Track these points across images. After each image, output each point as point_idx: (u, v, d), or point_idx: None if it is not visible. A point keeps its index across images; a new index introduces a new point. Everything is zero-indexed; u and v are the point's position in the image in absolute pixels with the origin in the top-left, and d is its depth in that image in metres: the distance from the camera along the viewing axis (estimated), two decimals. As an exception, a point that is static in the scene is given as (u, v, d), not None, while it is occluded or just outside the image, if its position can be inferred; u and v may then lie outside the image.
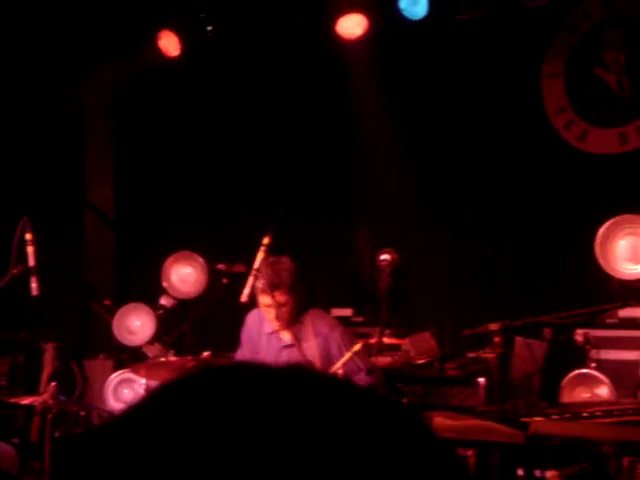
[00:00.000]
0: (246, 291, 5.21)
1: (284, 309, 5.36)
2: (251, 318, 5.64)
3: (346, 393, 0.80)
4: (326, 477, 0.72)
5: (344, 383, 0.83)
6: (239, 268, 6.52)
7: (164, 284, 7.55)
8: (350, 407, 0.78)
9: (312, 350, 5.34)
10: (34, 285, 5.78)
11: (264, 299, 5.33)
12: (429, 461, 0.78)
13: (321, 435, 0.74)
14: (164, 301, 7.56)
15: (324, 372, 0.85)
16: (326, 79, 8.42)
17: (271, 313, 5.35)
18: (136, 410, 0.80)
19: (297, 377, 0.81)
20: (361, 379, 5.27)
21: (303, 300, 5.55)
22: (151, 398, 0.82)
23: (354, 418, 0.77)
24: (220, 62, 8.52)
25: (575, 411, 4.16)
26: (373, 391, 0.83)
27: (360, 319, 7.56)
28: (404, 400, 5.92)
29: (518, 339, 6.35)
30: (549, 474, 4.12)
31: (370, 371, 5.37)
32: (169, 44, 8.01)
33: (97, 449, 0.78)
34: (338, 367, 5.20)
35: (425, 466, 0.77)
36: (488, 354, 5.86)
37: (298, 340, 5.30)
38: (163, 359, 6.14)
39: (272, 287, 5.30)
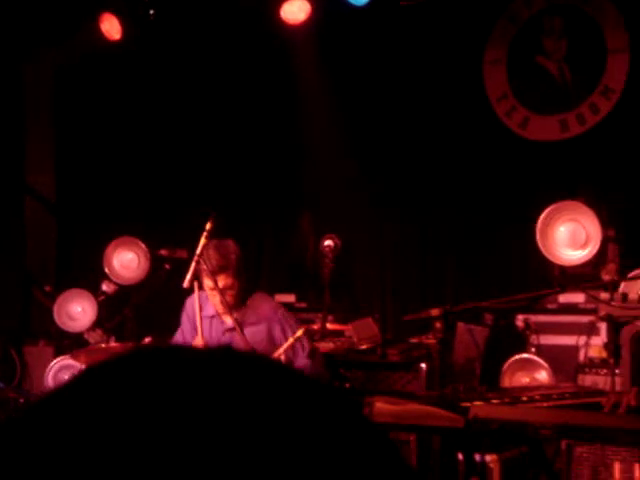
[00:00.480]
0: (188, 277, 5.18)
1: (229, 292, 5.34)
2: (191, 301, 5.61)
3: (275, 376, 0.79)
4: (246, 462, 0.71)
5: (275, 365, 0.82)
6: (181, 254, 6.51)
7: (106, 270, 7.48)
8: (279, 390, 0.77)
9: (255, 334, 5.33)
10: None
11: (209, 282, 5.30)
12: (359, 446, 0.77)
13: (245, 418, 0.73)
14: (105, 287, 7.49)
15: (261, 355, 0.84)
16: (270, 64, 8.39)
17: (216, 296, 5.33)
18: (59, 393, 0.79)
19: (225, 359, 0.80)
20: (303, 364, 5.28)
21: (247, 284, 5.53)
22: (76, 381, 0.80)
23: (282, 401, 0.76)
24: (163, 46, 8.44)
25: (514, 395, 4.20)
26: (307, 376, 0.83)
27: (303, 305, 7.57)
28: (346, 385, 5.94)
29: (460, 324, 6.40)
30: (489, 458, 4.16)
31: (312, 355, 5.38)
32: (111, 27, 7.92)
33: (16, 434, 0.76)
34: (281, 352, 5.20)
35: (356, 451, 0.76)
36: (430, 340, 5.90)
37: (241, 324, 5.28)
38: (104, 345, 6.10)
39: (217, 270, 5.28)
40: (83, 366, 5.63)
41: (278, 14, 7.72)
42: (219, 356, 0.80)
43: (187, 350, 0.82)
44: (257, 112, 8.50)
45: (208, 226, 5.30)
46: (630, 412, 3.12)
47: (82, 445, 0.72)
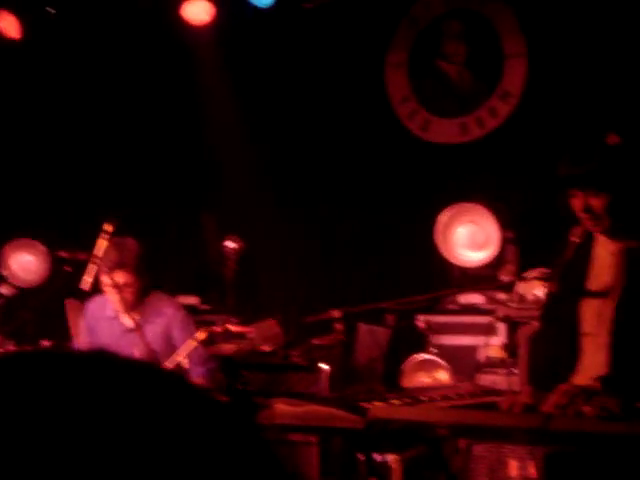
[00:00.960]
0: (87, 279, 5.11)
1: (128, 290, 5.29)
2: (91, 305, 5.54)
3: (147, 381, 0.79)
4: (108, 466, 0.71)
5: (150, 370, 0.82)
6: (82, 255, 6.40)
7: (4, 272, 7.35)
8: (147, 396, 0.77)
9: (154, 333, 5.29)
10: None
11: (106, 279, 5.24)
12: (233, 454, 0.78)
13: (114, 423, 0.73)
14: (4, 290, 7.34)
15: (136, 362, 0.85)
16: (172, 64, 8.34)
17: (114, 294, 5.27)
18: None
19: (99, 365, 0.80)
20: (203, 368, 5.26)
21: (147, 282, 5.47)
22: None
23: (150, 407, 0.76)
24: (63, 45, 8.32)
25: (414, 396, 4.24)
26: (182, 379, 0.83)
27: (206, 307, 7.53)
28: (248, 388, 5.93)
29: (361, 325, 6.44)
30: (389, 458, 4.20)
31: (209, 362, 5.37)
32: (8, 25, 7.77)
33: None
34: (182, 356, 5.16)
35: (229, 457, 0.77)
36: (331, 341, 5.93)
37: (140, 324, 5.23)
38: (1, 349, 5.98)
39: (116, 267, 5.22)
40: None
41: (180, 14, 7.68)
42: (92, 362, 0.80)
43: (59, 356, 0.82)
44: (159, 113, 8.43)
45: (108, 227, 5.24)
46: (525, 411, 3.18)
47: None
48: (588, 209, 3.14)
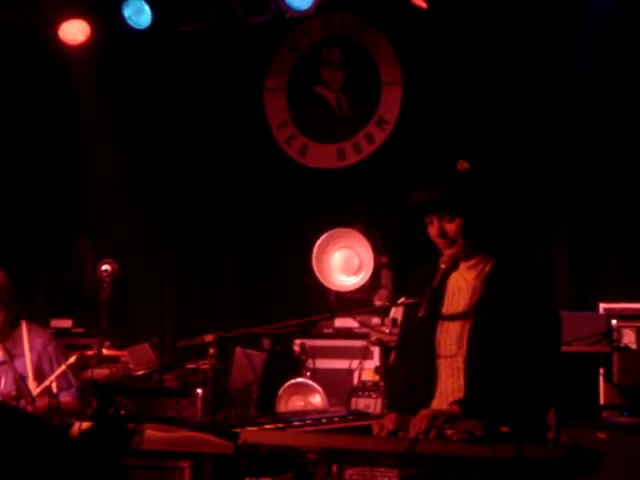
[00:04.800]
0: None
1: (-4, 324, 5.18)
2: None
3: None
4: None
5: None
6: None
7: None
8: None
9: (25, 366, 5.17)
10: None
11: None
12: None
13: None
14: None
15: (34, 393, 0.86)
16: (50, 86, 8.22)
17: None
18: None
19: None
20: (72, 392, 5.18)
21: (16, 313, 5.36)
22: None
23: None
24: None
25: (286, 420, 4.25)
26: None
27: (80, 330, 7.42)
28: (121, 412, 5.84)
29: (238, 349, 6.42)
30: (261, 483, 4.19)
31: (79, 384, 5.29)
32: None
33: None
34: (51, 380, 5.07)
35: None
36: (206, 365, 5.89)
37: (11, 356, 5.12)
38: None
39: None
40: None
41: (57, 35, 7.58)
42: None
43: None
44: (33, 134, 8.30)
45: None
46: (390, 435, 3.22)
47: None
48: (443, 234, 3.22)
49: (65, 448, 0.87)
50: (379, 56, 7.62)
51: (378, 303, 6.52)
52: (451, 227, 3.22)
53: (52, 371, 5.16)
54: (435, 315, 3.26)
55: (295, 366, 6.54)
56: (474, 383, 3.14)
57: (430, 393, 3.25)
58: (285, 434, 3.75)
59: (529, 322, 3.13)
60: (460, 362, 3.19)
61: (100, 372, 6.15)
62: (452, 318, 3.24)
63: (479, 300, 3.21)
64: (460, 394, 3.17)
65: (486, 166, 3.31)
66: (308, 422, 4.16)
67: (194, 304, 8.04)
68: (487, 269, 3.27)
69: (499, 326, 3.14)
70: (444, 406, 3.14)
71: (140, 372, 6.12)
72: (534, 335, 3.13)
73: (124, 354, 6.48)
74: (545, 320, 3.18)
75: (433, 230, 3.26)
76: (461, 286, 3.30)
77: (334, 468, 3.70)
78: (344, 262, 6.77)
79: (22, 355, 5.21)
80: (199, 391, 5.88)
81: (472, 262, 3.29)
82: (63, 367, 5.11)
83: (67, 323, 7.44)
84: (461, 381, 3.19)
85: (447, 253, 3.27)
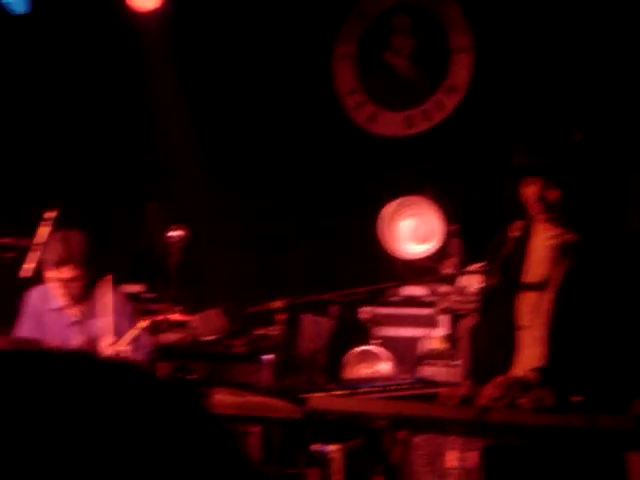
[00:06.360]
0: (28, 266, 5.06)
1: (74, 284, 5.24)
2: (34, 295, 5.48)
3: (125, 378, 0.81)
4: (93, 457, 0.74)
5: (123, 368, 0.85)
6: (25, 242, 6.34)
7: (-56, 258, 7.25)
8: (129, 393, 0.79)
9: (101, 326, 5.25)
10: None
11: (52, 274, 5.19)
12: (202, 438, 0.81)
13: (97, 417, 0.75)
14: (-56, 276, 7.26)
15: (107, 354, 0.89)
16: (119, 51, 8.28)
17: (60, 288, 5.22)
18: None
19: (78, 363, 0.81)
20: (143, 356, 5.24)
21: (93, 275, 5.44)
22: None
23: (132, 403, 0.78)
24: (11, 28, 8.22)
25: (354, 387, 4.27)
26: (150, 374, 0.85)
27: (150, 295, 7.50)
28: (191, 377, 5.92)
29: (305, 316, 6.46)
30: (330, 449, 4.22)
31: (152, 351, 5.35)
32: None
33: None
34: (125, 343, 5.14)
35: (196, 446, 0.80)
36: (275, 331, 5.94)
37: (87, 316, 5.21)
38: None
39: (62, 262, 5.17)
40: None
41: (128, 1, 7.62)
42: (74, 362, 0.81)
43: (43, 355, 0.83)
44: (105, 100, 8.37)
45: (51, 214, 5.19)
46: (464, 403, 3.22)
47: None
48: (542, 198, 3.16)
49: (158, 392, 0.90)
50: (449, 22, 7.55)
51: (447, 271, 6.50)
52: (553, 194, 3.15)
53: (126, 333, 5.23)
54: (515, 284, 3.22)
55: (362, 333, 6.56)
56: (555, 352, 3.12)
57: (509, 362, 3.24)
58: (353, 401, 3.77)
59: (615, 295, 3.09)
60: (540, 331, 3.16)
61: (170, 337, 6.23)
62: (532, 287, 3.21)
63: (564, 271, 3.17)
64: (539, 363, 3.14)
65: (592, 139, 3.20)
66: (376, 389, 4.17)
67: (261, 270, 8.08)
68: (571, 240, 3.22)
69: (583, 298, 3.10)
70: (522, 374, 3.13)
71: (210, 337, 6.19)
72: (620, 308, 3.09)
73: (194, 319, 6.55)
74: (631, 295, 3.13)
75: (532, 193, 3.17)
76: (542, 255, 3.26)
77: (403, 435, 3.71)
78: (412, 230, 6.75)
79: (97, 316, 5.29)
80: (267, 357, 5.92)
81: (557, 232, 3.24)
82: (136, 330, 5.18)
83: (137, 288, 7.51)
84: (541, 350, 3.16)
85: (535, 217, 3.19)
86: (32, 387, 0.78)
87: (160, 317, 6.48)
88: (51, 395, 0.77)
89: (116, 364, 0.85)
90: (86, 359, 0.84)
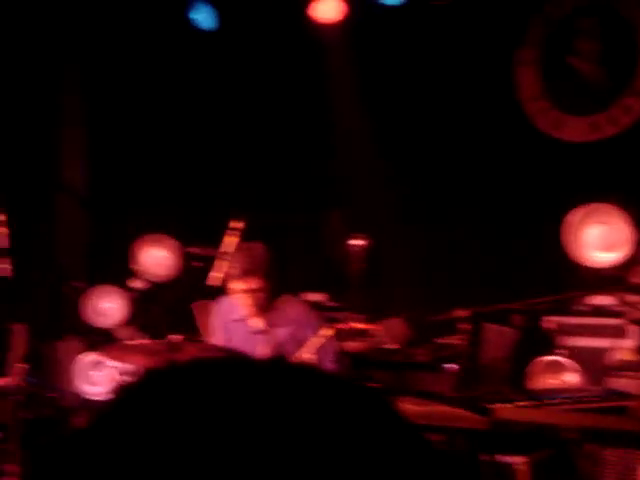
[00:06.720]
0: (216, 274, 5.19)
1: (259, 295, 5.34)
2: (222, 305, 5.62)
3: (328, 387, 0.82)
4: (305, 466, 0.75)
5: (324, 376, 0.86)
6: (211, 252, 6.53)
7: (136, 267, 7.54)
8: (335, 401, 0.80)
9: (283, 336, 5.33)
10: (6, 266, 5.76)
11: (238, 285, 5.30)
12: (405, 448, 0.81)
13: (306, 428, 0.77)
14: (136, 283, 7.54)
15: (302, 363, 0.90)
16: (302, 63, 8.40)
17: (244, 299, 5.33)
18: (126, 402, 0.81)
19: (282, 372, 0.83)
20: (330, 364, 5.29)
21: (277, 286, 5.53)
22: (141, 390, 0.82)
23: (340, 412, 0.79)
24: (196, 42, 8.48)
25: (540, 397, 4.19)
26: (351, 381, 0.86)
27: (332, 304, 7.57)
28: (375, 385, 5.94)
29: (488, 325, 6.38)
30: (517, 460, 4.15)
31: (339, 358, 5.39)
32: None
33: (90, 444, 0.79)
34: (309, 352, 5.20)
35: (401, 453, 0.80)
36: (457, 340, 5.89)
37: (270, 326, 5.29)
38: (133, 342, 6.13)
39: (246, 273, 5.27)
40: (113, 362, 5.66)
41: (311, 13, 7.74)
42: (276, 370, 0.83)
43: (244, 362, 0.85)
44: (289, 111, 8.51)
45: (237, 225, 5.31)
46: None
47: (156, 459, 0.74)
48: None
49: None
50: (638, 23, 7.32)
51: (635, 280, 6.29)
52: None
53: (310, 341, 5.29)
54: None
55: (546, 343, 6.44)
56: None
57: None
58: (541, 412, 3.70)
59: None
60: None
61: (353, 345, 6.26)
62: None
63: None
64: None
65: None
66: (564, 400, 4.08)
67: (443, 279, 8.03)
68: None
69: None
70: None
71: (392, 346, 6.20)
72: None
73: (377, 328, 6.57)
74: None
75: None
76: None
77: (592, 448, 3.62)
78: (600, 238, 6.58)
79: (281, 325, 5.37)
80: (450, 366, 5.88)
81: None
82: (321, 338, 5.23)
83: (320, 297, 7.60)
84: None
85: None
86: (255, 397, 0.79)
87: (343, 325, 6.54)
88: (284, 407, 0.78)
89: (330, 375, 0.86)
90: (295, 369, 0.85)
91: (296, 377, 0.83)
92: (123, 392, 0.83)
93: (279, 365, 0.86)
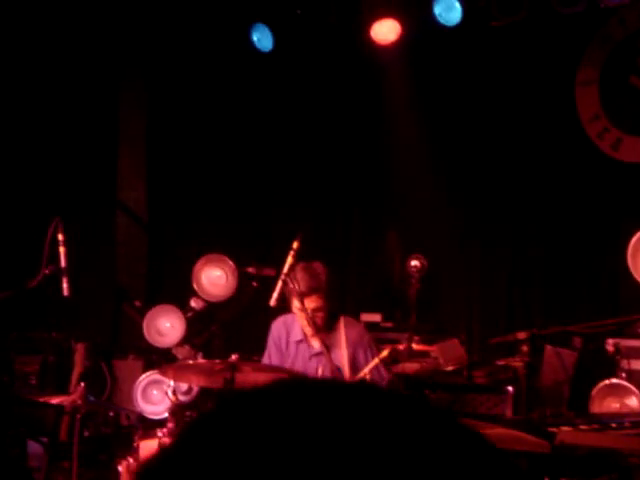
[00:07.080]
0: (275, 295, 5.20)
1: (318, 314, 5.35)
2: (277, 325, 5.63)
3: (410, 412, 0.83)
4: None
5: (406, 400, 0.86)
6: (269, 272, 6.53)
7: (194, 286, 7.56)
8: (418, 425, 0.81)
9: (342, 358, 5.32)
10: (65, 285, 5.82)
11: (297, 303, 5.31)
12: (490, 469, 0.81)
13: (392, 453, 0.77)
14: (194, 303, 7.56)
15: (374, 386, 0.90)
16: (360, 83, 8.42)
17: (304, 319, 5.33)
18: (204, 424, 0.81)
19: (364, 395, 0.83)
20: (384, 385, 5.27)
21: (336, 306, 5.54)
22: (222, 411, 0.82)
23: (422, 435, 0.80)
24: (254, 62, 8.53)
25: (603, 421, 4.13)
26: (430, 404, 0.86)
27: (389, 324, 7.55)
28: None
29: (548, 348, 6.32)
30: (577, 484, 4.09)
31: (391, 383, 5.38)
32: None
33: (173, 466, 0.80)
34: (365, 373, 5.19)
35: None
36: (517, 362, 5.84)
37: (328, 347, 5.28)
38: (191, 361, 6.16)
39: (307, 292, 5.28)
40: (172, 382, 5.69)
41: (368, 34, 7.75)
42: (358, 393, 0.83)
43: (326, 385, 0.85)
44: (347, 131, 8.53)
45: (295, 245, 5.32)
46: None
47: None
48: None
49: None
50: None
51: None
52: None
53: (366, 363, 5.28)
54: None
55: (608, 366, 6.35)
56: None
57: None
58: (604, 436, 3.65)
59: None
60: None
61: (410, 366, 6.23)
62: None
63: None
64: None
65: None
66: (627, 425, 4.01)
67: (501, 300, 7.98)
68: None
69: None
70: None
71: (449, 367, 6.15)
72: None
73: (433, 349, 6.53)
74: None
75: None
76: None
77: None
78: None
79: (339, 347, 5.36)
80: (509, 388, 5.83)
81: None
82: (376, 360, 5.22)
83: (376, 317, 7.58)
84: None
85: None
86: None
87: (400, 346, 6.51)
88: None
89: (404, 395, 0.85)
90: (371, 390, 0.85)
91: (386, 401, 0.83)
92: (206, 417, 0.83)
93: (367, 388, 0.86)
